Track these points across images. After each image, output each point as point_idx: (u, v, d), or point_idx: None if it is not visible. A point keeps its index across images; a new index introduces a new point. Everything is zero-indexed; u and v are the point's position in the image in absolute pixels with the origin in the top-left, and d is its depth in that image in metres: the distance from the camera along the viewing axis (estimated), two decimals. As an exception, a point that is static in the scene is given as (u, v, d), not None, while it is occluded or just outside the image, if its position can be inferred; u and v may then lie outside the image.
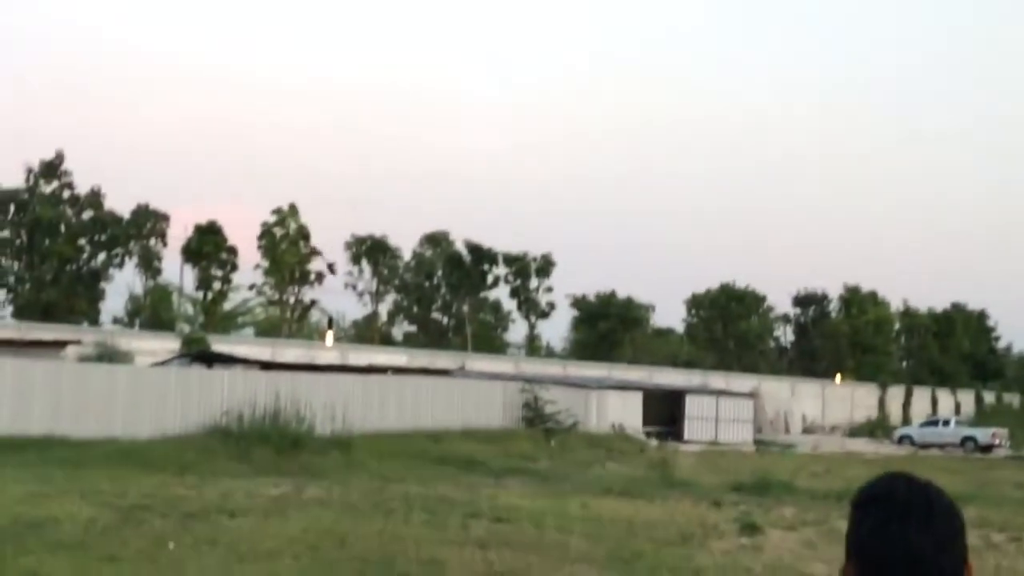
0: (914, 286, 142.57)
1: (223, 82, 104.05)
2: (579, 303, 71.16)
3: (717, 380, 56.43)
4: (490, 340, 66.85)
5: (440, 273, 67.44)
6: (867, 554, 1.72)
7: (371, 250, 65.98)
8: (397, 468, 23.81)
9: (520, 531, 14.65)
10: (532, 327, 69.44)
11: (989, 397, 74.21)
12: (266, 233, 61.29)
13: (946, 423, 54.90)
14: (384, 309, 68.75)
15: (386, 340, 64.43)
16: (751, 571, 11.84)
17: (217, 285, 59.46)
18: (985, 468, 35.64)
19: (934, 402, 68.98)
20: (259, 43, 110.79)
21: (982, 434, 51.19)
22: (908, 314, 78.40)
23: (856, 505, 1.77)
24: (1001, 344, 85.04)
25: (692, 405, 48.07)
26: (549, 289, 68.45)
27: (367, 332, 66.35)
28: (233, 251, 59.75)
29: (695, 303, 75.42)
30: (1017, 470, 35.25)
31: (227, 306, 61.29)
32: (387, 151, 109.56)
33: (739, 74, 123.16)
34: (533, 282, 67.86)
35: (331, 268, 63.49)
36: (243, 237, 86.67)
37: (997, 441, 49.87)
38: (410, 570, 11.29)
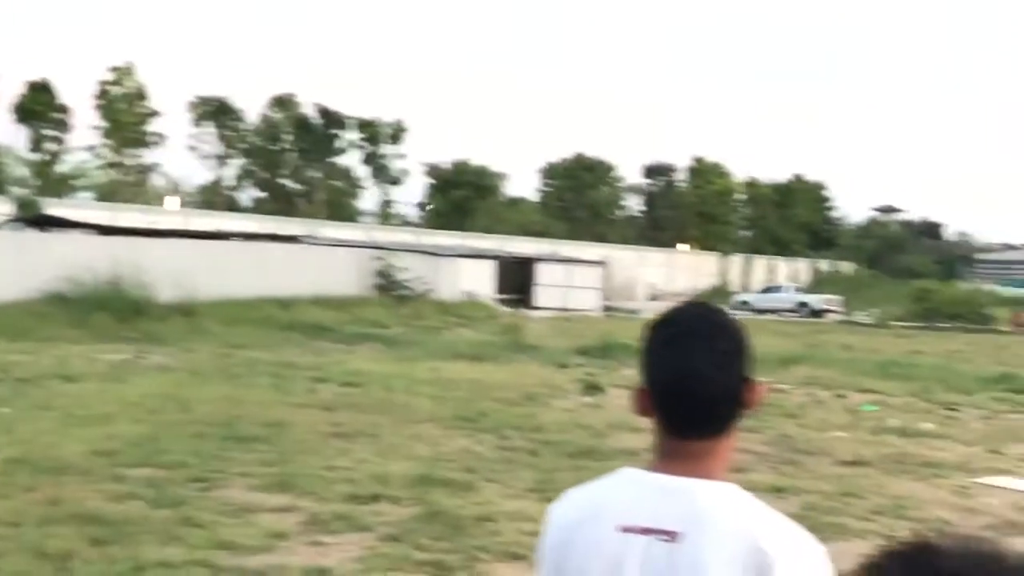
0: (758, 158, 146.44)
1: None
2: (433, 170, 70.66)
3: (568, 249, 57.19)
4: (342, 207, 65.93)
5: (289, 138, 65.73)
6: (651, 371, 1.79)
7: (215, 112, 63.70)
8: (243, 335, 23.48)
9: (368, 394, 14.72)
10: (385, 194, 68.79)
11: (825, 265, 77.59)
12: (103, 92, 58.38)
13: (782, 289, 57.27)
14: (230, 174, 66.89)
15: (233, 206, 62.84)
16: (590, 427, 12.21)
17: (52, 146, 56.61)
18: (817, 331, 37.41)
19: (773, 270, 71.76)
20: None
21: (816, 300, 53.60)
22: (751, 185, 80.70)
23: (647, 327, 1.83)
24: (837, 215, 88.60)
25: (543, 273, 48.72)
26: (402, 156, 67.67)
27: (213, 197, 64.52)
28: (65, 110, 56.83)
29: (549, 172, 75.81)
30: (846, 333, 37.17)
31: (63, 169, 58.56)
32: (233, 7, 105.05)
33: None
34: (385, 148, 66.91)
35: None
36: (80, 97, 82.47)
37: (829, 306, 52.33)
38: (254, 432, 11.22)
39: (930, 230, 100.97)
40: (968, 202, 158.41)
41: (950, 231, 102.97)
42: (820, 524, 8.62)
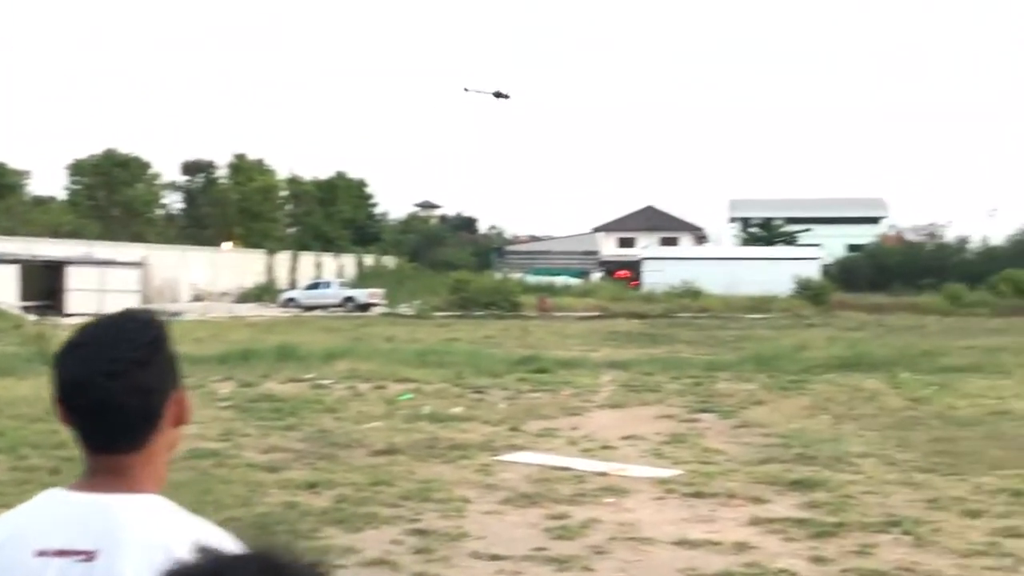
0: (301, 156, 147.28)
1: None
2: (-59, 168, 63.65)
3: (103, 250, 54.08)
4: None
5: None
6: (54, 378, 1.72)
7: None
8: None
9: None
10: None
11: (369, 260, 79.64)
12: None
13: (328, 285, 58.01)
14: None
15: None
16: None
17: None
18: (362, 325, 38.32)
19: (319, 266, 72.46)
20: None
21: (361, 294, 54.82)
22: (294, 182, 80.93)
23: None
24: (379, 211, 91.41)
25: (74, 277, 45.90)
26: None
27: None
28: None
29: (77, 169, 71.12)
30: (389, 325, 38.40)
31: None
32: None
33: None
34: None
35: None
36: None
37: (374, 300, 53.78)
38: None
39: (466, 224, 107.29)
40: (498, 198, 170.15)
41: (484, 225, 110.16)
42: (352, 515, 8.82)
